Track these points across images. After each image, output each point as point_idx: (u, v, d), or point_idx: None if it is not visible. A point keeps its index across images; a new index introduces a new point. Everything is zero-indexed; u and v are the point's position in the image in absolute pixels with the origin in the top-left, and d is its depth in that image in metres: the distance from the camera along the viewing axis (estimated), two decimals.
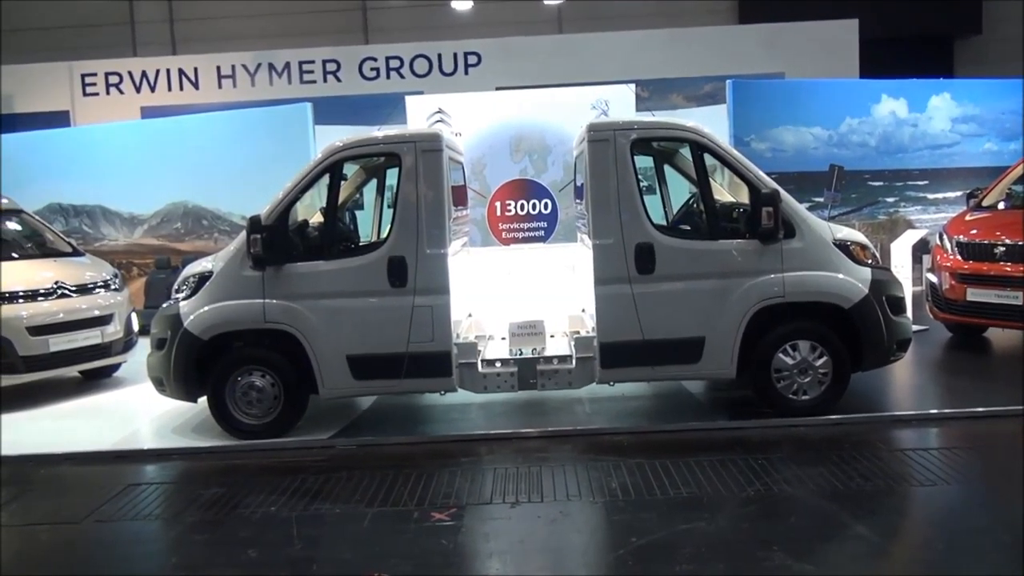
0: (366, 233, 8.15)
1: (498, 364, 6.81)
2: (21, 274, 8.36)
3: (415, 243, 6.52)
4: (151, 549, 5.00)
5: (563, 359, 6.82)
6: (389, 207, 6.91)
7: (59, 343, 8.18)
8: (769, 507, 4.94)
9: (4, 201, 9.52)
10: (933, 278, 8.97)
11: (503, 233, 11.16)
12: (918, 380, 7.98)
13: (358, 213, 8.43)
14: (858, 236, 7.03)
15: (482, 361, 6.83)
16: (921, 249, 9.99)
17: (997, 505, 4.96)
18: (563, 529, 4.84)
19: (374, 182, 8.06)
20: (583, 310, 7.62)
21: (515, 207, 11.16)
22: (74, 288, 8.48)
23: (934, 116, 12.65)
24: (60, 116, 16.99)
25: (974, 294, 8.34)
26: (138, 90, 17.43)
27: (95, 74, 17.41)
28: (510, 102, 11.63)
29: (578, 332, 7.16)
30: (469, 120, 11.13)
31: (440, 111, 11.22)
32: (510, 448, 6.27)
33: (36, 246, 9.26)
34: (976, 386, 7.46)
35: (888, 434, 6.28)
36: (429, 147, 6.64)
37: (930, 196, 12.69)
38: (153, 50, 19.19)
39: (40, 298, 8.20)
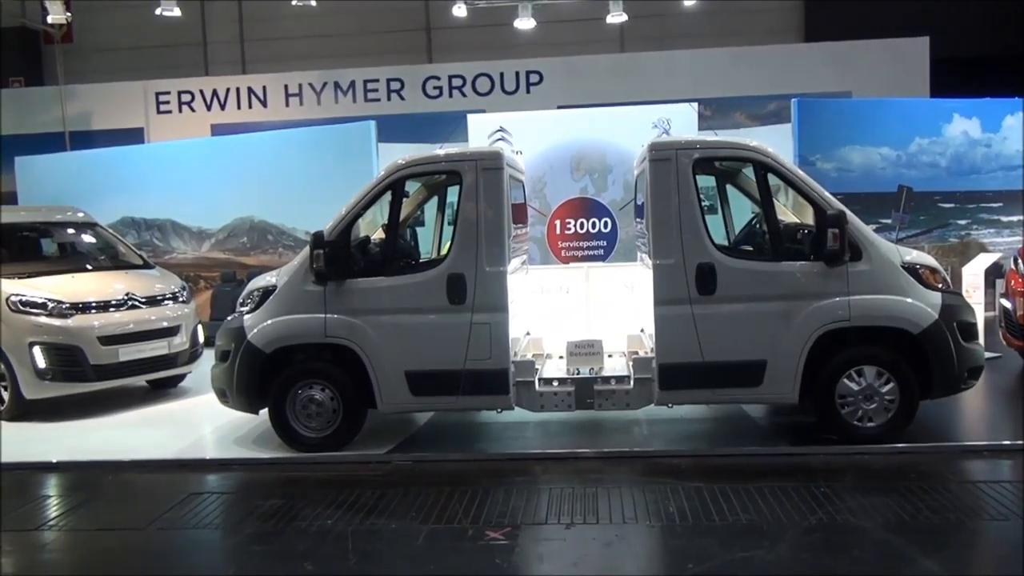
0: (426, 250, 8.22)
1: (555, 383, 6.79)
2: (94, 285, 8.65)
3: (475, 260, 6.55)
4: (210, 559, 5.09)
5: (621, 379, 6.76)
6: (449, 224, 6.95)
7: (128, 353, 8.42)
8: (832, 538, 4.81)
9: (80, 215, 9.89)
10: (1007, 303, 8.67)
11: (562, 251, 11.14)
12: (990, 409, 7.70)
13: (419, 230, 8.51)
14: (928, 259, 6.83)
15: (539, 380, 6.81)
16: (994, 273, 9.68)
17: None
18: (618, 553, 4.78)
19: (435, 200, 8.13)
20: (642, 330, 7.55)
21: (575, 225, 11.14)
22: (144, 300, 8.72)
23: (1009, 136, 12.28)
24: (135, 133, 17.62)
25: None
26: (209, 108, 17.99)
27: (168, 92, 18.05)
28: (571, 120, 11.64)
29: (637, 352, 7.10)
30: (530, 138, 11.17)
31: (501, 129, 11.28)
32: (566, 468, 6.23)
33: (109, 258, 9.58)
34: None
35: (958, 465, 6.07)
36: (490, 165, 6.67)
37: (1004, 219, 12.28)
38: (224, 69, 19.75)
39: (111, 309, 8.45)
